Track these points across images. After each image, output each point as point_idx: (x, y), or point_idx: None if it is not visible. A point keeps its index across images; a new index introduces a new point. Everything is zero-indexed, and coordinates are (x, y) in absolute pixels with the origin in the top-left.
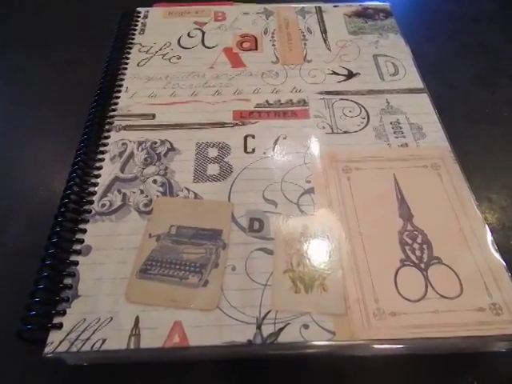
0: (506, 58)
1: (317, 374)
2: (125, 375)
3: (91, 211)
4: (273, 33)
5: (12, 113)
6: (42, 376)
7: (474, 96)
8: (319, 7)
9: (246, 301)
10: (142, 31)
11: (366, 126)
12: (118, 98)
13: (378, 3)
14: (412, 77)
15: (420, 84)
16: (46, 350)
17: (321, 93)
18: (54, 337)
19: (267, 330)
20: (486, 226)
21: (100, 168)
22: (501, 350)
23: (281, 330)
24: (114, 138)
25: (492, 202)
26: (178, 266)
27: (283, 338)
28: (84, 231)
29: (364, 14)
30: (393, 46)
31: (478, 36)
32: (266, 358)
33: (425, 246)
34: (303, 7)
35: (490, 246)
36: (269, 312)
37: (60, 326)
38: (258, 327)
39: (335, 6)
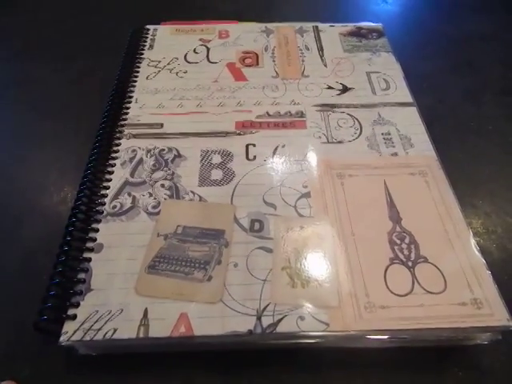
0: (491, 76)
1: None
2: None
3: (103, 212)
4: (273, 50)
5: (28, 121)
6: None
7: (462, 110)
8: (316, 26)
9: (247, 294)
10: (151, 47)
11: (359, 136)
12: (129, 108)
13: (371, 24)
14: (402, 92)
15: (409, 98)
16: (62, 338)
17: (317, 105)
18: (69, 327)
19: (266, 320)
20: (469, 228)
21: (111, 172)
22: (483, 343)
23: (279, 321)
24: (125, 146)
25: (477, 208)
26: (184, 263)
27: (281, 328)
28: (96, 230)
29: (358, 34)
30: (384, 64)
31: (467, 55)
32: (264, 349)
33: (412, 246)
34: (301, 26)
35: (472, 247)
36: (268, 305)
37: (74, 317)
38: (258, 318)
39: (331, 26)
